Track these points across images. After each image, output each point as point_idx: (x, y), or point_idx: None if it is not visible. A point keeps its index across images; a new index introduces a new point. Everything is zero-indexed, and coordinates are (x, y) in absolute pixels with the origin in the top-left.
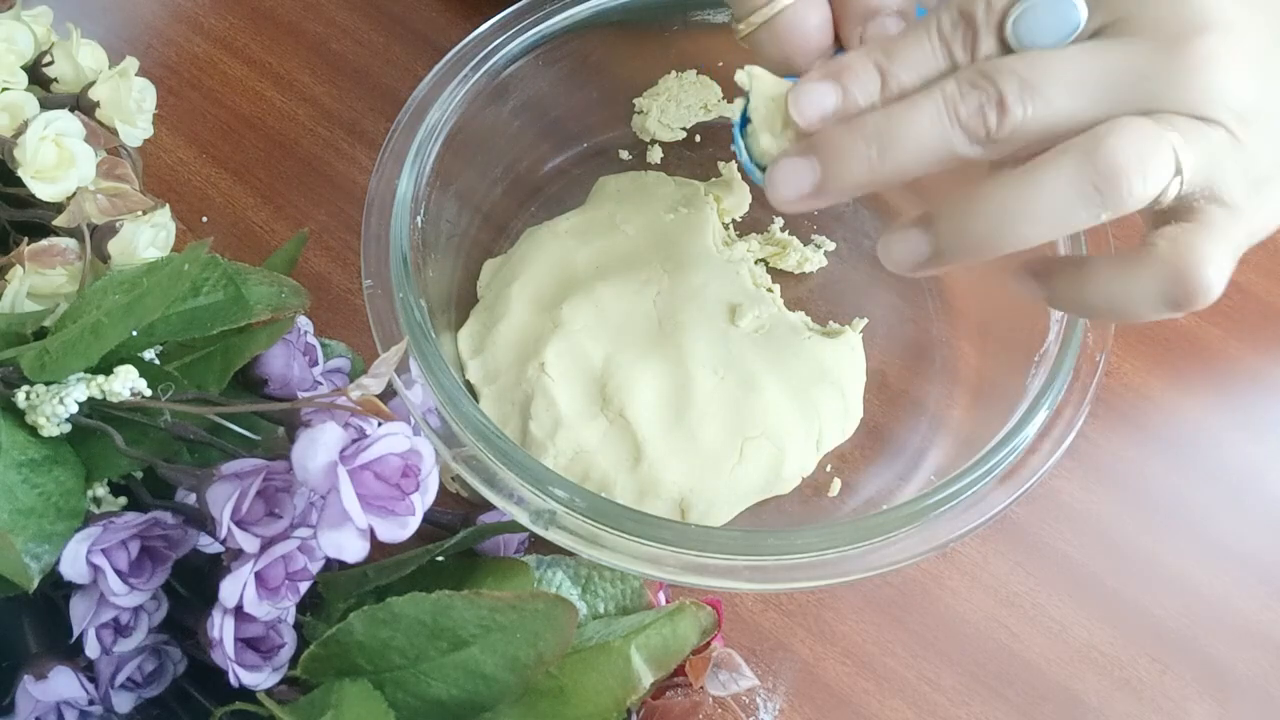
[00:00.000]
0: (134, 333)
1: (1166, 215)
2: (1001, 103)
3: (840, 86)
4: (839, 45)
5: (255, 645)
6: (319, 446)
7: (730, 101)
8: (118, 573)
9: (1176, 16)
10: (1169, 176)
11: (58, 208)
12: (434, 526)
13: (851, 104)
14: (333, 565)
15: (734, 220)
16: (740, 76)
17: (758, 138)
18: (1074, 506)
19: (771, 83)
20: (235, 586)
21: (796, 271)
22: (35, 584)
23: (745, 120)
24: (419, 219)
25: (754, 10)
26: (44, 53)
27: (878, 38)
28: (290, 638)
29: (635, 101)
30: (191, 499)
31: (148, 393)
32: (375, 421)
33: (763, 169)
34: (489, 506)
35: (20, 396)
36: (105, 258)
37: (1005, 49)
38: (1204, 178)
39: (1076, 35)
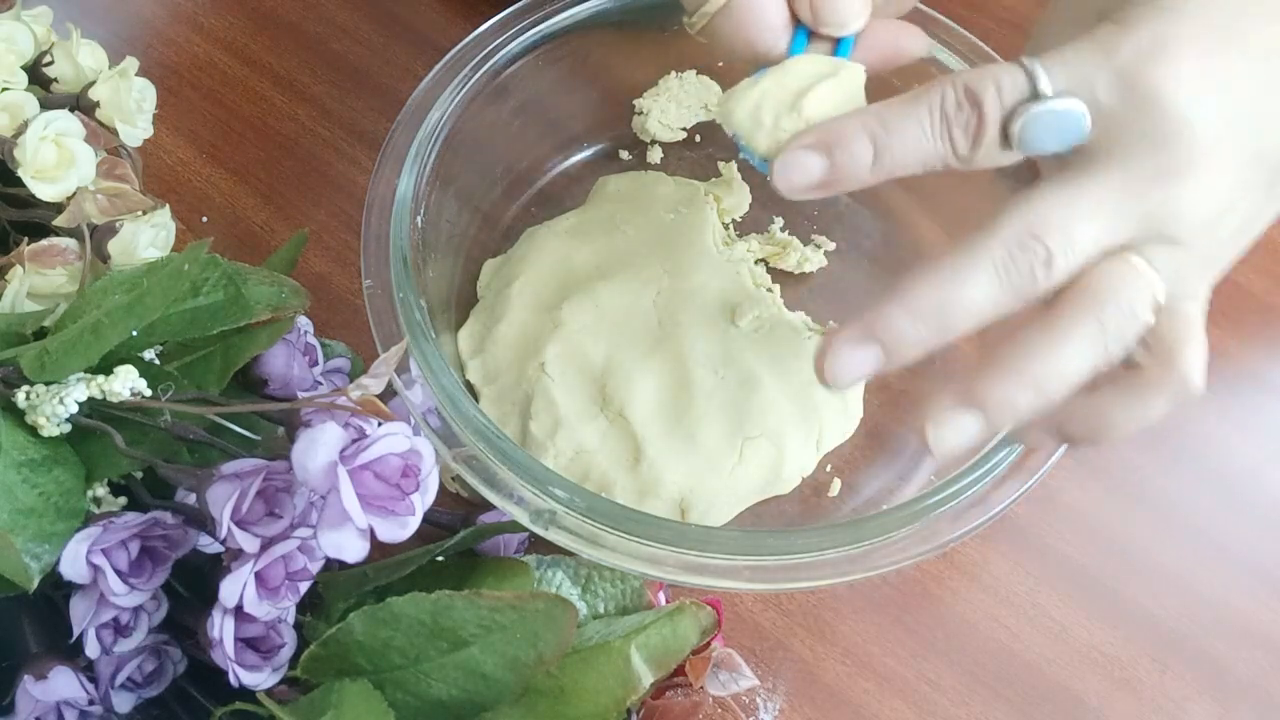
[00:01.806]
0: (134, 333)
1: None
2: (1050, 261)
3: (829, 158)
4: (798, 22)
5: (255, 645)
6: (319, 446)
7: None
8: (118, 573)
9: (1160, 145)
10: (1155, 306)
11: (58, 208)
12: (434, 526)
13: (839, 177)
14: (333, 565)
15: (734, 220)
16: (716, 114)
17: (754, 147)
18: (1074, 506)
19: (746, 106)
20: (235, 586)
21: (796, 271)
22: (35, 584)
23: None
24: (419, 219)
25: (705, 1)
26: (44, 53)
27: (832, 23)
28: (290, 638)
29: (635, 102)
30: (191, 499)
31: (148, 393)
32: (375, 421)
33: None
34: (489, 506)
35: (20, 396)
36: (105, 258)
37: (1005, 145)
38: (1173, 290)
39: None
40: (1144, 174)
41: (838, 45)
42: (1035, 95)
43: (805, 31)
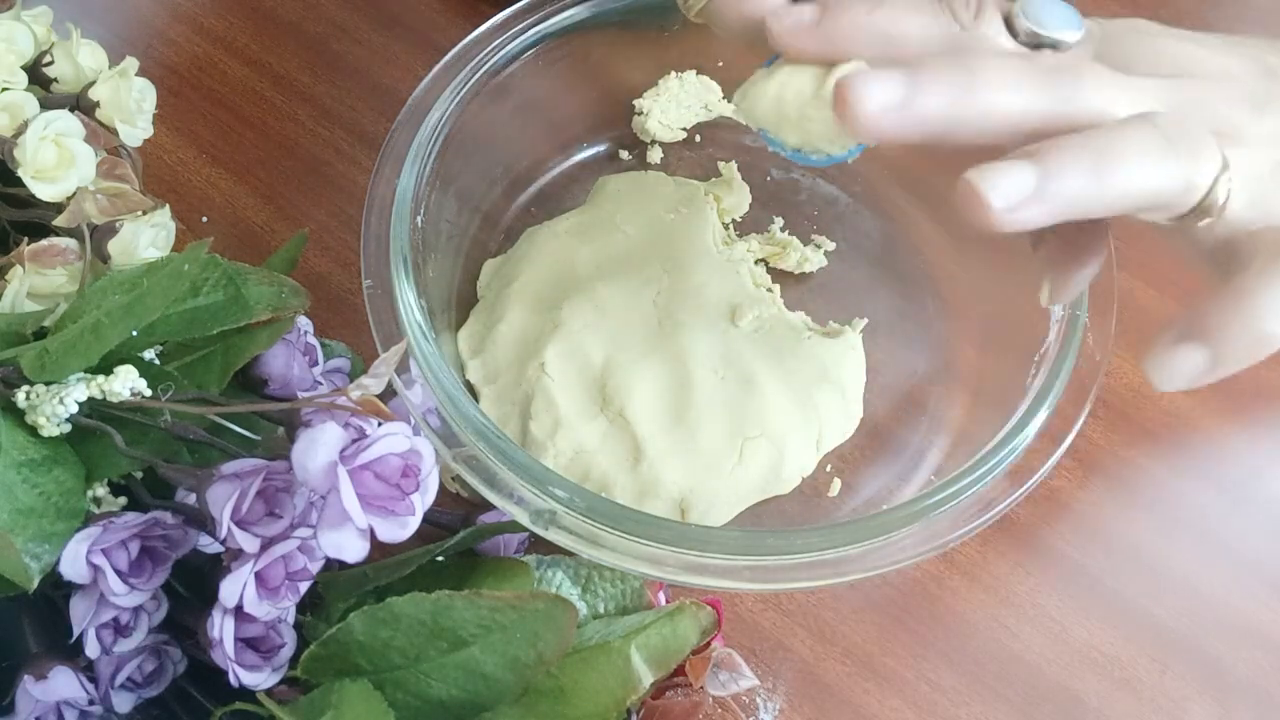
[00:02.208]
0: (134, 333)
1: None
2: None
3: (822, 10)
4: None
5: (255, 645)
6: (319, 446)
7: (730, 101)
8: (118, 573)
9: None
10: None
11: (58, 208)
12: (434, 526)
13: (833, 45)
14: (333, 565)
15: (734, 220)
16: (736, 109)
17: (783, 139)
18: (1074, 506)
19: (767, 98)
20: (235, 586)
21: (796, 271)
22: (35, 584)
23: None
24: (419, 219)
25: None
26: (44, 53)
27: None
28: (290, 638)
29: (635, 102)
30: (191, 499)
31: (148, 393)
32: (375, 421)
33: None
34: (489, 506)
35: (20, 396)
36: (105, 258)
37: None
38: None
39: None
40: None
41: None
42: None
43: None
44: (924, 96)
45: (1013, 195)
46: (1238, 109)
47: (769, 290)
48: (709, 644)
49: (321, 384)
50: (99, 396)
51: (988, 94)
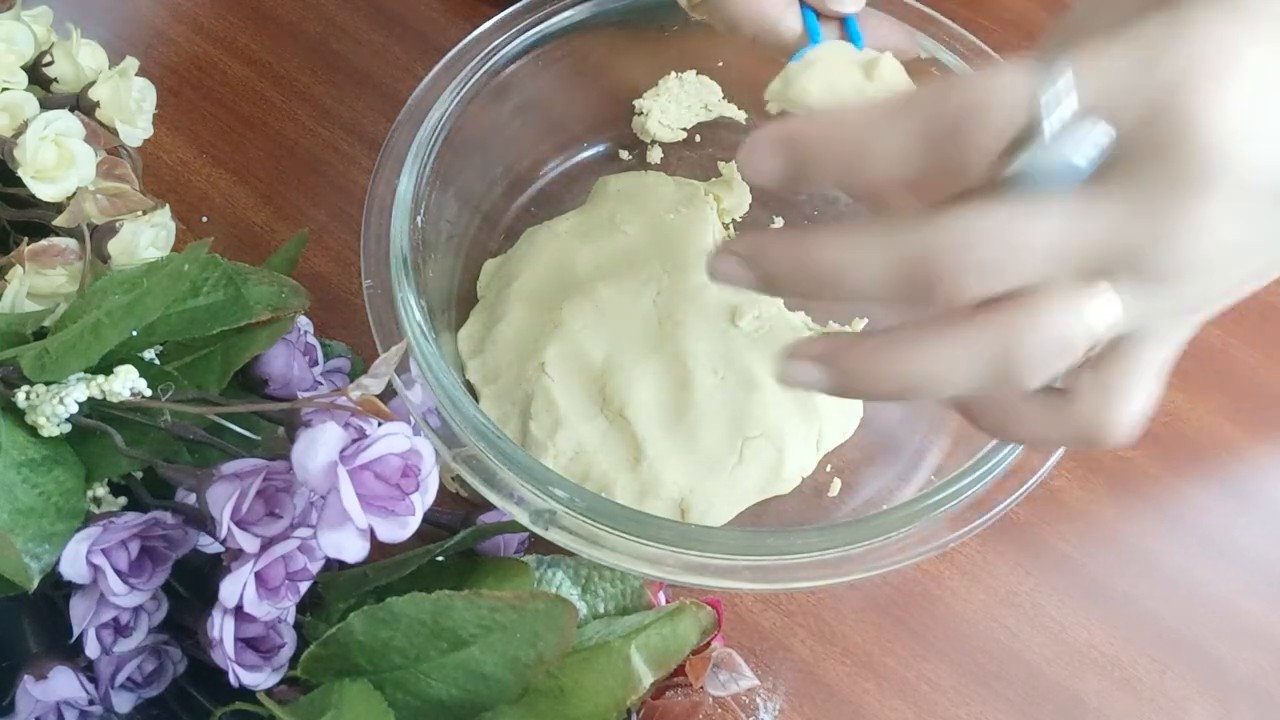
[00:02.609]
0: (134, 333)
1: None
2: (957, 275)
3: (791, 154)
4: None
5: (255, 645)
6: (319, 446)
7: (730, 101)
8: (118, 573)
9: (1183, 166)
10: (1082, 353)
11: (58, 208)
12: (434, 526)
13: (798, 178)
14: (333, 565)
15: (734, 220)
16: (777, 100)
17: None
18: (1074, 506)
19: (816, 84)
20: (235, 586)
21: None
22: (35, 584)
23: None
24: (419, 219)
25: None
26: (44, 53)
27: None
28: (290, 638)
29: (635, 102)
30: (191, 499)
31: (148, 393)
32: (375, 421)
33: None
34: (489, 506)
35: (20, 396)
36: (105, 258)
37: (996, 168)
38: (1135, 327)
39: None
40: (1147, 200)
41: (849, 36)
42: (1035, 134)
43: (811, 13)
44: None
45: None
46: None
47: None
48: (709, 644)
49: (321, 384)
50: (99, 396)
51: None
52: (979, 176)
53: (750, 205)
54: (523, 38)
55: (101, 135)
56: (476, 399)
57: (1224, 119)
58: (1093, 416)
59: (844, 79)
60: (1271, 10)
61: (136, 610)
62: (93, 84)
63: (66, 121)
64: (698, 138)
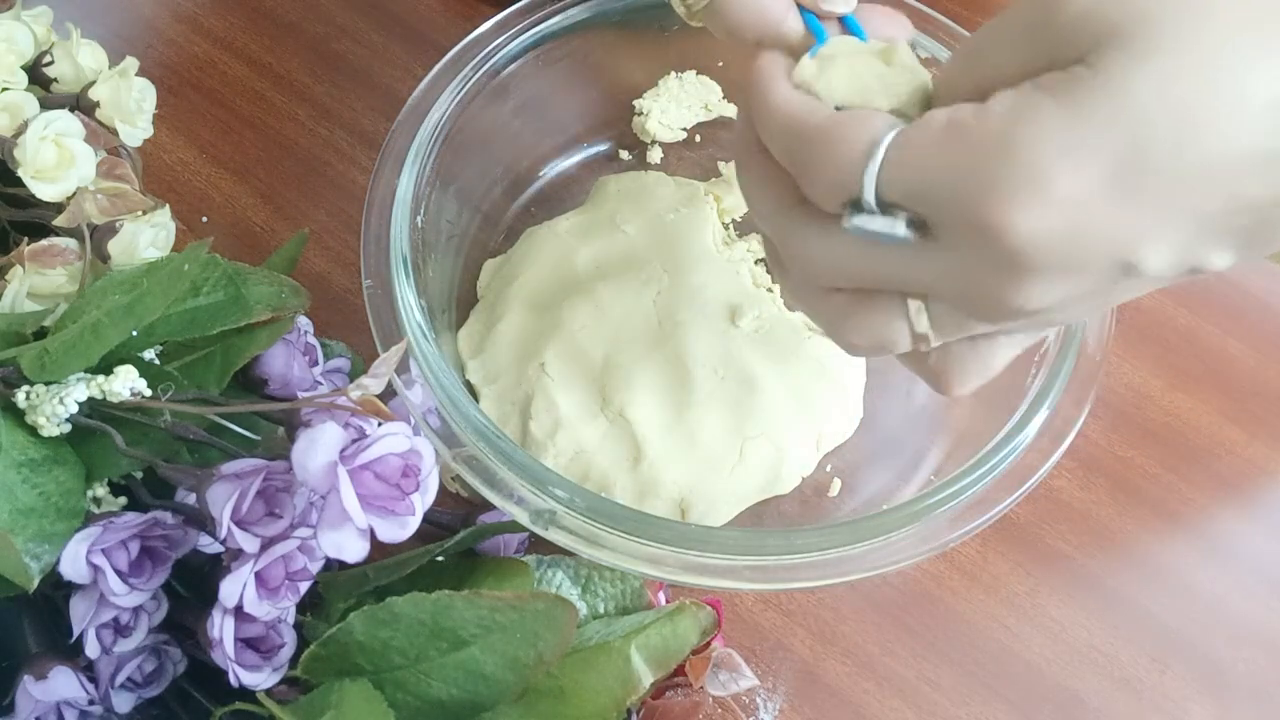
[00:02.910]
0: (134, 333)
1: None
2: (786, 268)
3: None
4: None
5: (255, 645)
6: (319, 446)
7: (730, 101)
8: (118, 573)
9: (992, 264)
10: (909, 348)
11: (58, 208)
12: (434, 526)
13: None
14: (333, 565)
15: (734, 220)
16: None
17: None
18: (1074, 506)
19: (841, 77)
20: (235, 586)
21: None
22: (35, 584)
23: None
24: (419, 219)
25: None
26: (44, 53)
27: None
28: (290, 638)
29: (635, 103)
30: (191, 499)
31: (148, 393)
32: (375, 421)
33: None
34: (489, 506)
35: (20, 396)
36: (105, 258)
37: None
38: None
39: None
40: (966, 273)
41: (851, 31)
42: (858, 204)
43: (812, 14)
44: None
45: None
46: None
47: (769, 290)
48: (709, 644)
49: (321, 384)
50: (99, 396)
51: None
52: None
53: None
54: (523, 38)
55: (101, 135)
56: (476, 399)
57: (1029, 235)
58: (938, 369)
59: (866, 69)
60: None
61: (136, 610)
62: (93, 84)
63: (66, 121)
64: (698, 138)
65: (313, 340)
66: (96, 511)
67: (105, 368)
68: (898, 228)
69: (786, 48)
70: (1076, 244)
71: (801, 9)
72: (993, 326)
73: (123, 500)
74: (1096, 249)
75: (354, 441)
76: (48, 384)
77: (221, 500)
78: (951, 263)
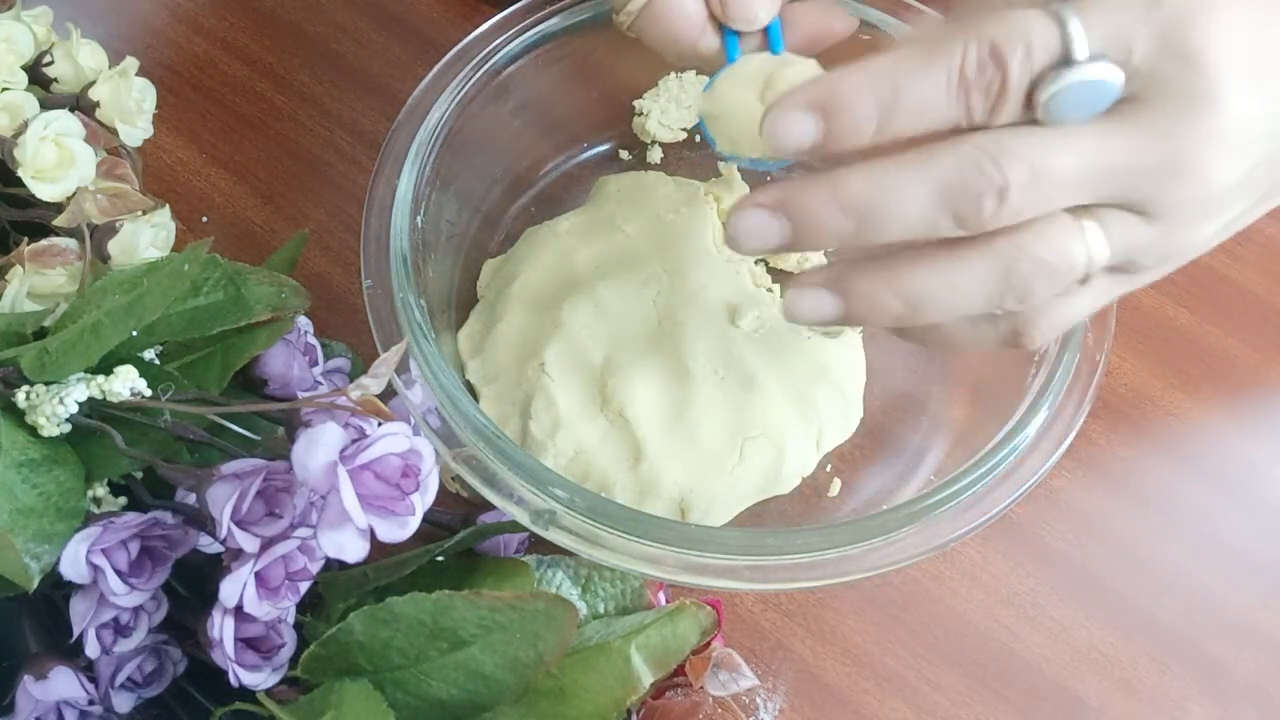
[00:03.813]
0: (134, 333)
1: None
2: (1003, 193)
3: (825, 121)
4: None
5: (255, 645)
6: (319, 446)
7: None
8: (118, 573)
9: (1188, 91)
10: (1076, 277)
11: (58, 208)
12: (434, 526)
13: (834, 143)
14: (333, 565)
15: None
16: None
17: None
18: (1074, 506)
19: (721, 112)
20: (235, 586)
21: (796, 271)
22: (35, 584)
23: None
24: (419, 219)
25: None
26: (44, 53)
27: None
28: (290, 638)
29: (635, 103)
30: (191, 499)
31: (148, 393)
32: (375, 421)
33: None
34: (489, 506)
35: (20, 396)
36: (105, 258)
37: (1027, 111)
38: (1120, 261)
39: None
40: (1155, 134)
41: (769, 41)
42: (1067, 60)
43: (731, 32)
44: (807, 237)
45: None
46: None
47: (769, 290)
48: (709, 644)
49: (321, 384)
50: (99, 396)
51: (879, 232)
52: (1008, 116)
53: None
54: (523, 38)
55: (101, 135)
56: (476, 399)
57: (1224, 47)
58: (1026, 317)
59: (743, 107)
60: None
61: (136, 610)
62: (93, 84)
63: (66, 121)
64: (698, 138)
65: (313, 340)
66: (96, 511)
67: (105, 368)
68: (1107, 69)
69: (703, 65)
70: (1257, 55)
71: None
72: (1150, 241)
73: (123, 500)
74: None
75: (354, 441)
76: (48, 384)
77: (221, 500)
78: (1141, 128)
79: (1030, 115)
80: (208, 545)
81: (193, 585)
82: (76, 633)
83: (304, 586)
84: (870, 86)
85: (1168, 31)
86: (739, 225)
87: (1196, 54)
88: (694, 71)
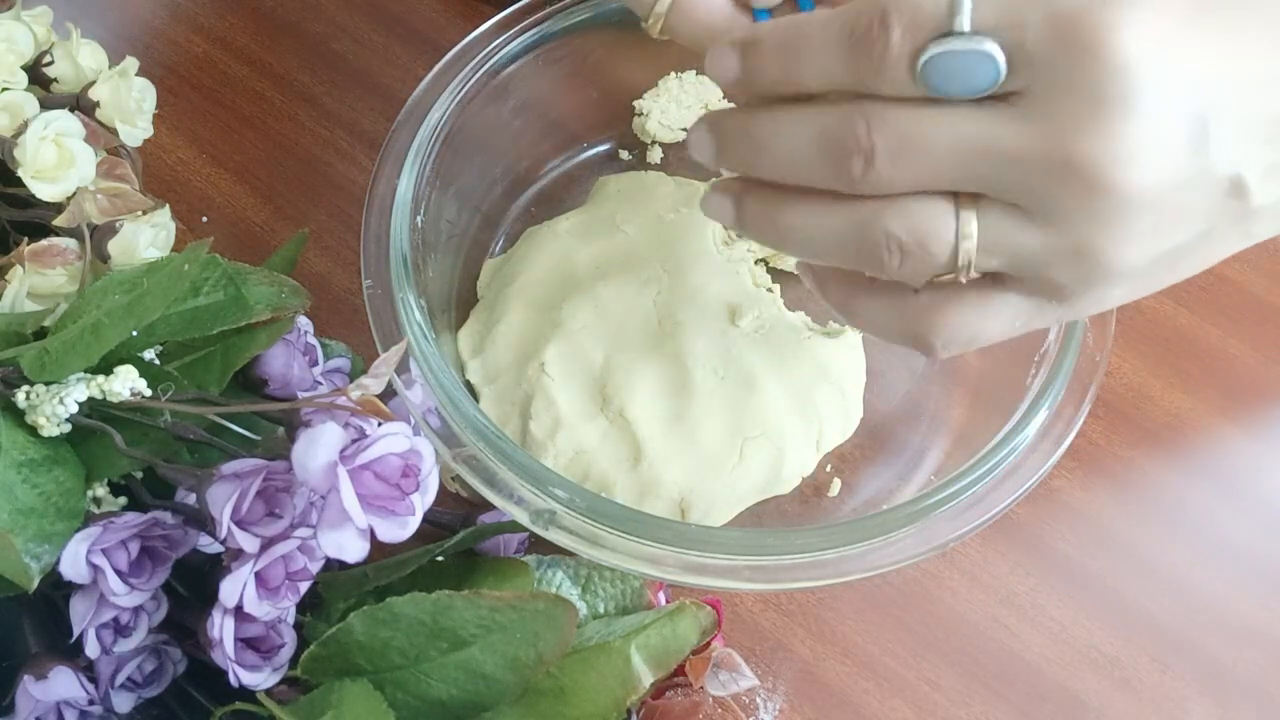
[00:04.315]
0: (134, 333)
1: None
2: (870, 156)
3: (743, 59)
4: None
5: (255, 645)
6: (319, 446)
7: (730, 101)
8: (118, 573)
9: (1082, 104)
10: (939, 263)
11: (58, 208)
12: (434, 526)
13: (749, 80)
14: (333, 565)
15: None
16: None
17: None
18: (1074, 506)
19: None
20: (235, 586)
21: (797, 271)
22: (35, 584)
23: None
24: (419, 219)
25: (653, 2)
26: (44, 53)
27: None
28: (290, 638)
29: (635, 104)
30: (191, 499)
31: (148, 393)
32: (375, 421)
33: None
34: (489, 506)
35: (20, 396)
36: (105, 258)
37: (917, 86)
38: (1008, 266)
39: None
40: (1044, 124)
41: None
42: (950, 32)
43: (763, 12)
44: (726, 156)
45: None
46: None
47: (769, 290)
48: (709, 644)
49: (321, 384)
50: (99, 396)
51: (771, 164)
52: (892, 84)
53: None
54: (523, 38)
55: (101, 135)
56: (476, 399)
57: (1138, 44)
58: (921, 315)
59: None
60: None
61: (136, 610)
62: (93, 84)
63: (66, 121)
64: None
65: (313, 340)
66: (96, 511)
67: (105, 368)
68: (987, 44)
69: None
70: (1173, 44)
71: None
72: (1066, 246)
73: (123, 500)
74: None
75: (354, 441)
76: (48, 384)
77: (221, 500)
78: (1036, 116)
79: (920, 91)
80: (208, 545)
81: (193, 585)
82: (76, 633)
83: (304, 586)
84: (782, 32)
85: (1069, 19)
86: (690, 135)
87: (1099, 46)
88: (694, 71)
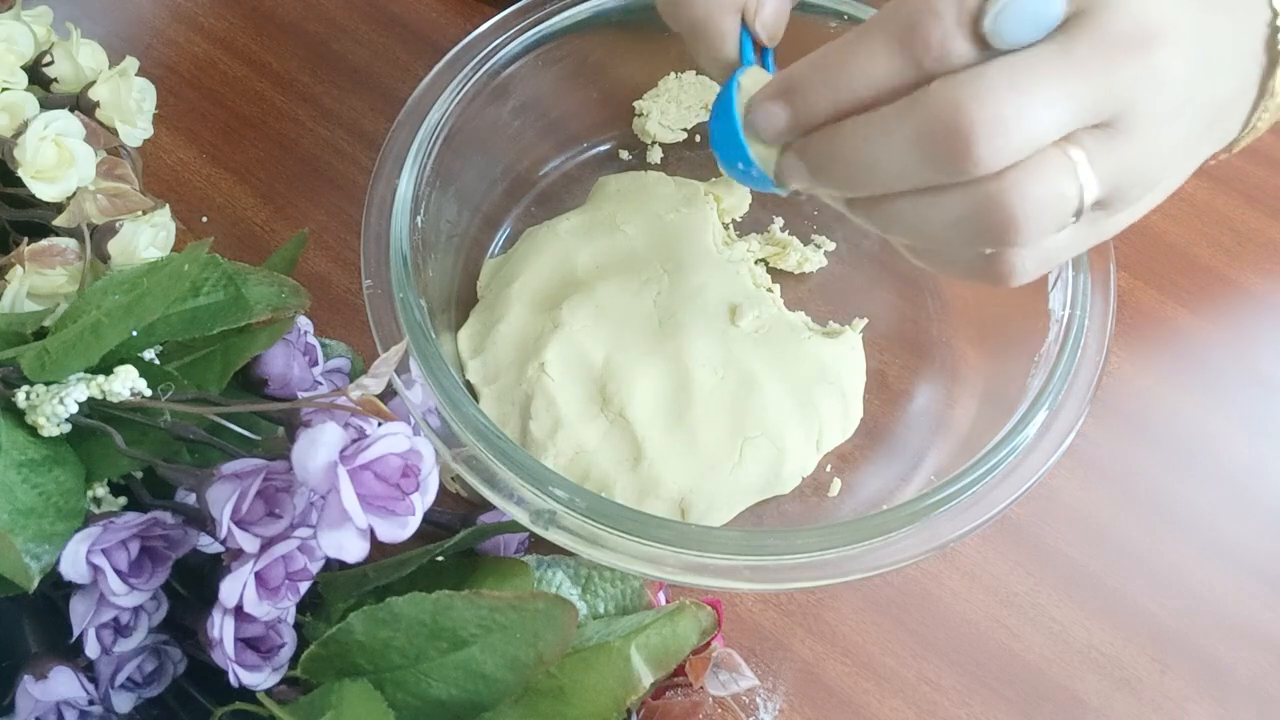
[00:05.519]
0: (134, 333)
1: None
2: (971, 140)
3: (789, 104)
4: None
5: (255, 645)
6: (319, 446)
7: None
8: (118, 573)
9: (1132, 23)
10: (1071, 211)
11: (58, 208)
12: (434, 526)
13: (802, 123)
14: (333, 565)
15: (734, 220)
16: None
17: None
18: (1074, 506)
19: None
20: (235, 586)
21: (796, 271)
22: (35, 584)
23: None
24: (419, 219)
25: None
26: (44, 53)
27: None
28: (290, 638)
29: (635, 104)
30: (191, 499)
31: (148, 393)
32: (375, 421)
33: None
34: (489, 506)
35: (20, 396)
36: (105, 258)
37: (978, 45)
38: (1108, 190)
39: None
40: (1114, 35)
41: (763, 58)
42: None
43: (747, 35)
44: (805, 115)
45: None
46: None
47: (769, 290)
48: (709, 644)
49: (321, 384)
50: (99, 396)
51: (872, 181)
52: (960, 55)
53: (750, 205)
54: (523, 38)
55: (101, 135)
56: (476, 399)
57: None
58: (1006, 261)
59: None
60: None
61: (136, 610)
62: (93, 84)
63: (66, 121)
64: (697, 138)
65: (313, 340)
66: (96, 511)
67: (105, 368)
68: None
69: (727, 64)
70: None
71: (744, 28)
72: (1146, 147)
73: (123, 500)
74: None
75: (354, 441)
76: (48, 384)
77: (221, 500)
78: (1106, 28)
79: (981, 47)
80: (208, 545)
81: (193, 585)
82: (76, 633)
83: (304, 586)
84: (813, 63)
85: None
86: (780, 165)
87: None
88: (694, 71)
